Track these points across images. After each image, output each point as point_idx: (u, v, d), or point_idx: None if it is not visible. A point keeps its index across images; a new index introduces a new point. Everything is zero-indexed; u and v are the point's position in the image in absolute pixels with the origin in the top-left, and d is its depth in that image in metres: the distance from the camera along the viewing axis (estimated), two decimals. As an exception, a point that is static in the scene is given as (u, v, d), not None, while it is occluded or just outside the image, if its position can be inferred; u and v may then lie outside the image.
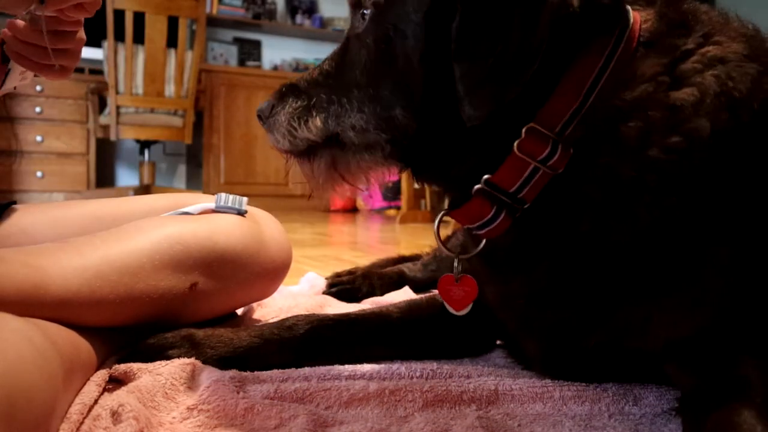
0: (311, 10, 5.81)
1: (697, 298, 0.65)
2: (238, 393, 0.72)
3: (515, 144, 0.65)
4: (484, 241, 0.73)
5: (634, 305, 0.67)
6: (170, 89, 3.94)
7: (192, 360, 0.81)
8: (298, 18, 5.74)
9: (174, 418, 0.69)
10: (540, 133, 0.64)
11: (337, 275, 1.52)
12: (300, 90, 0.74)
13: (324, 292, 1.41)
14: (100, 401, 0.70)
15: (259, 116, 0.77)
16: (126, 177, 5.11)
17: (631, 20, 0.66)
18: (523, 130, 0.65)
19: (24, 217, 1.00)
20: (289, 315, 0.91)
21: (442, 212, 0.77)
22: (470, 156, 0.69)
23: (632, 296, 0.67)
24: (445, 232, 1.83)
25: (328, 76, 0.73)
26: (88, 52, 4.69)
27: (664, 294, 0.66)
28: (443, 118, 0.66)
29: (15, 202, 1.04)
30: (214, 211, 1.00)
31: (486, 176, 0.67)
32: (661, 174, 0.63)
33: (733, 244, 0.64)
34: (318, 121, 0.72)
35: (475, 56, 0.61)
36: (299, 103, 0.73)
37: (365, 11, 0.70)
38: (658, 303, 0.66)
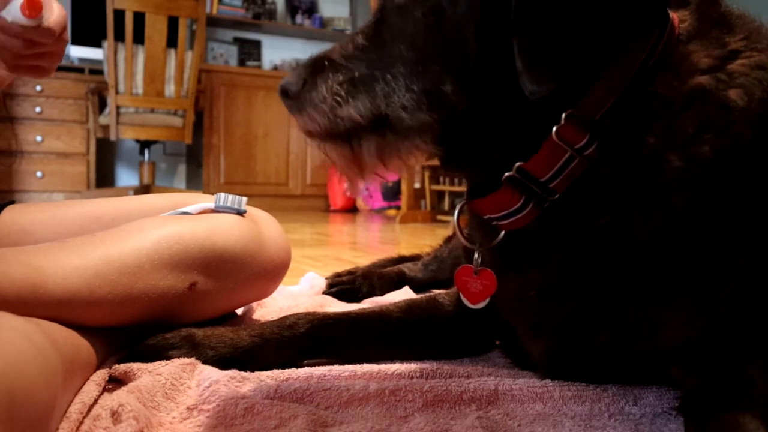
0: (311, 10, 5.81)
1: (711, 299, 0.65)
2: (238, 393, 0.72)
3: (554, 130, 0.62)
4: (503, 232, 0.71)
5: (647, 304, 0.66)
6: (170, 89, 3.94)
7: (192, 360, 0.81)
8: (298, 18, 5.74)
9: (174, 418, 0.69)
10: (580, 120, 0.62)
11: (337, 275, 1.52)
12: (337, 64, 0.66)
13: (324, 292, 1.41)
14: (100, 401, 0.70)
15: (284, 92, 0.67)
16: (126, 177, 5.11)
17: (671, 18, 0.65)
18: (563, 116, 0.62)
19: (23, 217, 1.00)
20: (289, 314, 0.90)
21: (462, 202, 0.74)
22: (510, 139, 0.66)
23: (646, 294, 0.66)
24: (444, 232, 1.83)
25: (366, 50, 0.66)
26: (88, 52, 4.71)
27: (678, 294, 0.65)
28: (494, 95, 0.64)
29: (14, 202, 1.05)
30: (213, 210, 1.00)
31: (519, 163, 0.65)
32: (705, 172, 0.62)
33: (751, 249, 0.64)
34: (366, 101, 0.64)
35: (537, 26, 0.58)
36: (341, 77, 0.65)
37: None
38: (671, 303, 0.66)
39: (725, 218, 0.63)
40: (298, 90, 0.66)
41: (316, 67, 0.66)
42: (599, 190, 0.64)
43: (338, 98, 0.64)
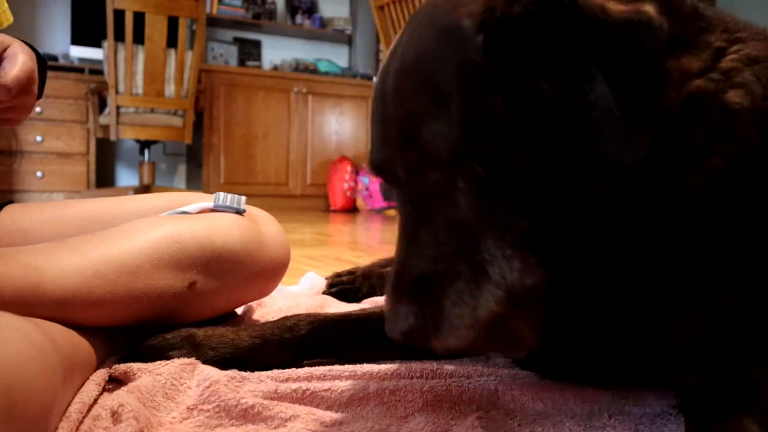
0: (311, 10, 5.81)
1: (724, 306, 0.65)
2: (238, 393, 0.72)
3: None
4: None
5: (662, 313, 0.66)
6: (170, 89, 3.94)
7: (192, 360, 0.81)
8: (298, 18, 5.73)
9: (174, 418, 0.69)
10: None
11: (337, 275, 1.52)
12: (435, 275, 0.59)
13: (324, 292, 1.41)
14: (99, 401, 0.70)
15: (410, 336, 0.59)
16: (126, 177, 5.11)
17: None
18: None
19: (22, 216, 1.00)
20: (290, 315, 0.91)
21: None
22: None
23: (661, 305, 0.65)
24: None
25: (443, 242, 0.59)
26: (88, 52, 4.71)
27: (694, 303, 0.65)
28: (542, 190, 0.60)
29: (12, 201, 1.05)
30: (212, 210, 1.00)
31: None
32: (718, 183, 0.61)
33: (760, 255, 0.63)
34: (493, 289, 0.58)
35: (600, 119, 0.54)
36: (456, 285, 0.58)
37: (428, 161, 0.59)
38: (686, 312, 0.65)
39: (737, 225, 0.62)
40: (422, 323, 0.59)
41: (418, 291, 0.59)
42: (619, 213, 0.63)
43: (472, 304, 0.58)
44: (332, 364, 0.85)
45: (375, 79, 0.67)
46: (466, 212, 0.58)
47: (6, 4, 1.07)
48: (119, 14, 3.62)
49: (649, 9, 0.56)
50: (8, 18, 1.08)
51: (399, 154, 0.61)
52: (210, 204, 1.01)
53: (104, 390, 0.75)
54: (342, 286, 1.41)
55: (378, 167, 0.66)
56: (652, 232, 0.62)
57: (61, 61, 4.61)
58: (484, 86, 0.57)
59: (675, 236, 0.62)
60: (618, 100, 0.53)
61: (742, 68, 0.62)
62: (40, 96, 0.99)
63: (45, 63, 1.00)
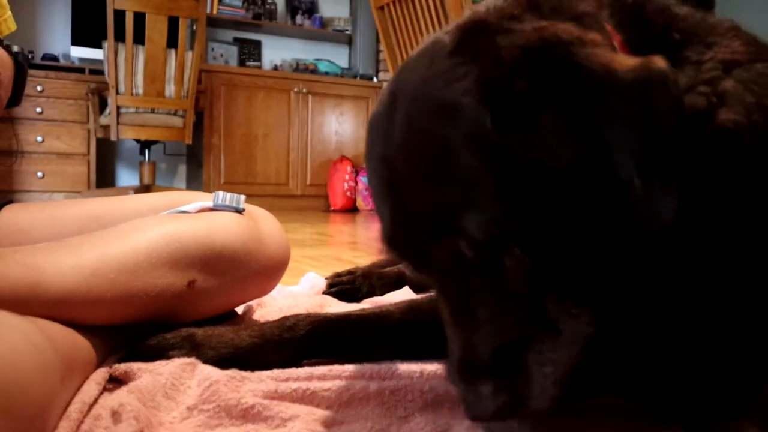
0: (311, 10, 5.81)
1: (742, 317, 0.64)
2: (238, 393, 0.72)
3: None
4: None
5: (688, 335, 0.65)
6: (170, 89, 3.94)
7: (192, 360, 0.81)
8: (298, 18, 5.73)
9: (174, 418, 0.69)
10: None
11: (337, 275, 1.52)
12: (510, 344, 0.57)
13: (324, 292, 1.41)
14: (100, 401, 0.70)
15: (500, 413, 0.57)
16: (126, 177, 5.11)
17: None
18: None
19: (22, 216, 1.00)
20: (289, 315, 0.90)
21: None
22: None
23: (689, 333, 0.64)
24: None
25: (501, 317, 0.57)
26: (89, 53, 4.71)
27: (716, 324, 0.64)
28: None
29: (11, 201, 1.05)
30: (211, 209, 1.00)
31: None
32: (740, 231, 0.59)
33: None
34: (572, 343, 0.57)
35: (620, 190, 0.51)
36: (537, 344, 0.57)
37: (470, 247, 0.57)
38: (710, 328, 0.64)
39: (755, 260, 0.61)
40: (510, 396, 0.56)
41: (497, 366, 0.57)
42: (661, 257, 0.61)
43: (555, 359, 0.56)
44: (332, 364, 0.85)
45: (366, 157, 0.63)
46: (520, 285, 0.56)
47: (9, 12, 1.07)
48: (119, 14, 3.62)
49: (660, 62, 0.51)
50: (9, 27, 1.07)
51: (434, 243, 0.58)
52: (209, 203, 1.01)
53: (104, 390, 0.75)
54: (342, 286, 1.41)
55: (397, 247, 0.63)
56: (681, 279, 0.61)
57: (62, 62, 4.61)
58: (507, 162, 0.53)
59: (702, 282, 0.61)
60: (637, 169, 0.50)
61: (722, 76, 0.60)
62: (17, 102, 0.98)
63: (23, 69, 0.99)
